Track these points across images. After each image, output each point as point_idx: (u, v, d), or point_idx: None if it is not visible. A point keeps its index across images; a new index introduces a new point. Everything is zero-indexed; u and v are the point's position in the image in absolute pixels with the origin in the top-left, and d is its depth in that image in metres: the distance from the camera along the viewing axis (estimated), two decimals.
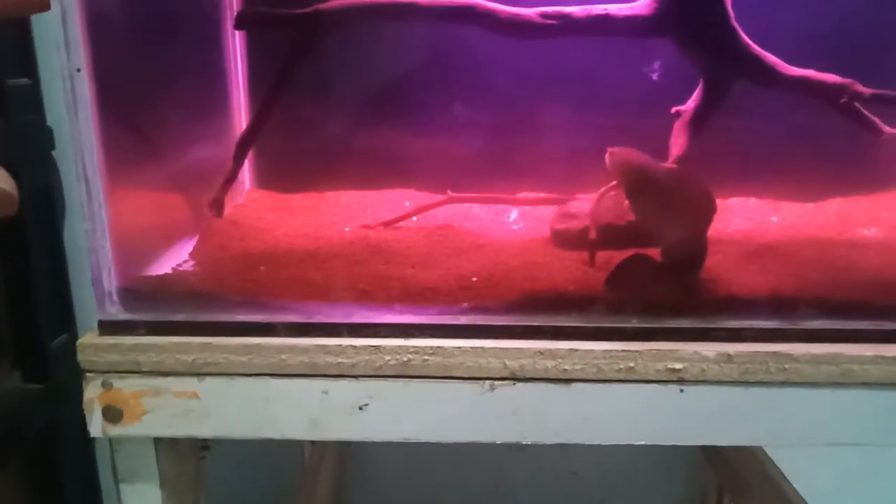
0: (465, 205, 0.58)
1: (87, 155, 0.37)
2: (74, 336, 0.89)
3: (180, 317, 0.40)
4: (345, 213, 0.59)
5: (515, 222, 0.57)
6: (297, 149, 0.61)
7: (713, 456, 0.89)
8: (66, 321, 0.88)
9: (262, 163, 0.62)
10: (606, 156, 0.48)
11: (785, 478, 0.74)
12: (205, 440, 0.49)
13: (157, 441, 0.42)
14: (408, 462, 0.97)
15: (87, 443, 0.93)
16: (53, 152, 0.85)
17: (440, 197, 0.56)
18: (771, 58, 0.51)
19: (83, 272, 0.88)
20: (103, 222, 0.38)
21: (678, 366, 0.39)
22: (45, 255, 0.82)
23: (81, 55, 0.36)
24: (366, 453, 0.96)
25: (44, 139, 0.84)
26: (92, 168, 0.37)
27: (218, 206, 0.53)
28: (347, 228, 0.55)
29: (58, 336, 0.87)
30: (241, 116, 0.61)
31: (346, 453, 0.93)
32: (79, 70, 0.36)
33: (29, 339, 0.83)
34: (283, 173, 0.63)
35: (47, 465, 0.85)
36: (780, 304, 0.41)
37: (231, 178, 0.53)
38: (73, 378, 0.94)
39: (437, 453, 0.96)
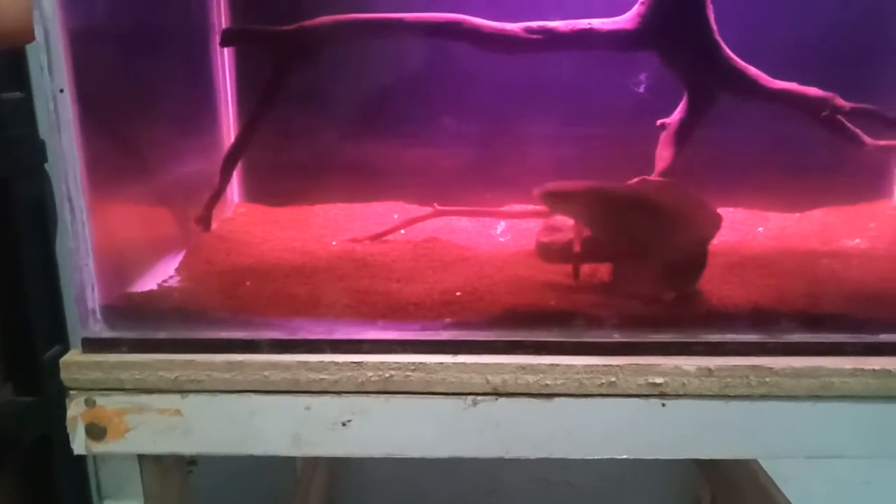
0: (452, 218, 0.59)
1: (71, 174, 0.38)
2: (66, 348, 0.90)
3: (163, 334, 0.40)
4: (333, 227, 0.59)
5: (502, 235, 0.57)
6: (285, 162, 0.61)
7: (706, 465, 0.89)
8: (58, 333, 0.88)
9: (251, 176, 0.63)
10: (540, 197, 0.47)
11: (776, 486, 0.74)
12: (191, 456, 0.49)
13: (142, 458, 0.42)
14: (400, 473, 0.97)
15: (79, 456, 0.92)
16: (46, 165, 0.85)
17: (428, 210, 0.56)
18: (753, 71, 0.51)
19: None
20: (87, 240, 0.38)
21: (659, 380, 0.39)
22: (37, 267, 0.82)
23: (64, 76, 0.36)
24: (358, 465, 0.96)
25: (36, 152, 0.84)
26: (75, 186, 0.38)
27: (205, 220, 0.53)
28: (335, 242, 0.55)
29: (50, 348, 0.87)
30: (228, 131, 0.61)
31: (338, 465, 0.93)
32: (62, 91, 0.36)
33: (21, 352, 0.83)
34: (271, 187, 0.63)
35: (40, 477, 0.85)
36: (760, 318, 0.42)
37: (218, 192, 0.53)
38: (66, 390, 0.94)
39: (430, 464, 0.96)
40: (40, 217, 0.84)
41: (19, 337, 0.81)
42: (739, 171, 0.61)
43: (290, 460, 0.90)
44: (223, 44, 0.52)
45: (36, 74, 0.76)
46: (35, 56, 0.78)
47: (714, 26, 0.51)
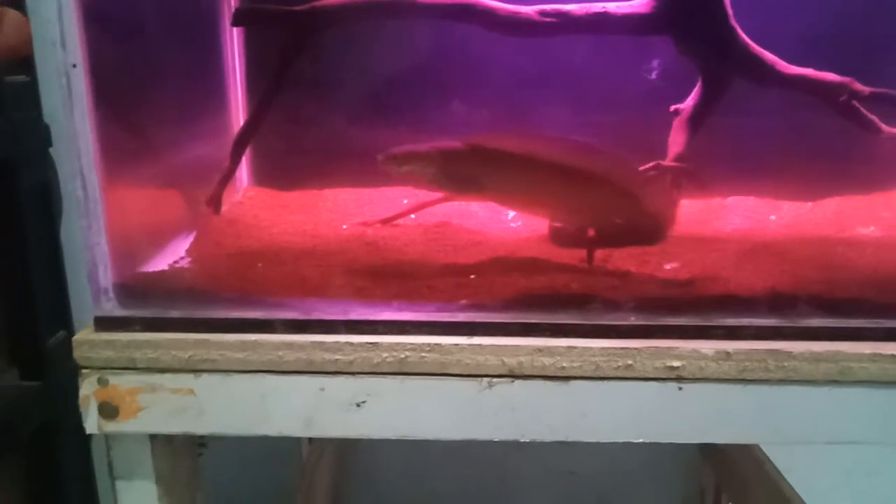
0: (462, 203, 0.58)
1: (84, 151, 0.37)
2: (71, 333, 0.89)
3: (176, 313, 0.40)
4: (342, 211, 0.58)
5: (513, 220, 0.56)
6: (294, 146, 0.61)
7: (711, 454, 0.89)
8: (62, 318, 0.88)
9: (260, 160, 0.62)
10: (381, 161, 0.47)
11: (782, 476, 0.74)
12: (201, 437, 0.49)
13: (153, 438, 0.41)
14: (406, 460, 0.97)
15: (84, 440, 0.92)
16: (51, 149, 0.85)
17: (438, 194, 0.56)
18: (769, 56, 0.51)
19: (80, 269, 0.88)
20: (99, 219, 0.38)
21: (676, 363, 0.39)
22: (42, 252, 0.82)
23: (78, 51, 0.36)
24: (364, 451, 0.96)
25: (41, 136, 0.84)
26: (88, 164, 0.37)
27: (215, 203, 0.53)
28: (345, 226, 0.55)
29: (55, 333, 0.86)
30: (238, 113, 0.60)
31: (345, 452, 0.93)
32: (74, 66, 0.36)
33: (26, 337, 0.82)
34: (280, 170, 0.63)
35: (44, 462, 0.85)
36: (778, 302, 0.41)
37: (228, 175, 0.53)
38: (70, 375, 0.94)
39: (436, 452, 0.96)
40: (45, 202, 0.84)
41: (24, 322, 0.81)
42: (751, 158, 0.61)
43: (296, 446, 0.90)
44: (235, 23, 0.52)
45: (40, 58, 0.76)
46: (40, 38, 0.77)
47: (730, 11, 0.50)
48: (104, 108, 0.38)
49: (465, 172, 0.48)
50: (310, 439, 0.90)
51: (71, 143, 0.37)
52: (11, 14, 0.22)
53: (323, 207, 0.59)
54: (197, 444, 0.48)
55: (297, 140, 0.60)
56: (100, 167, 0.38)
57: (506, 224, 0.56)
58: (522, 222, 0.56)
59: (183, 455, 0.45)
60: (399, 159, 0.47)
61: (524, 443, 1.04)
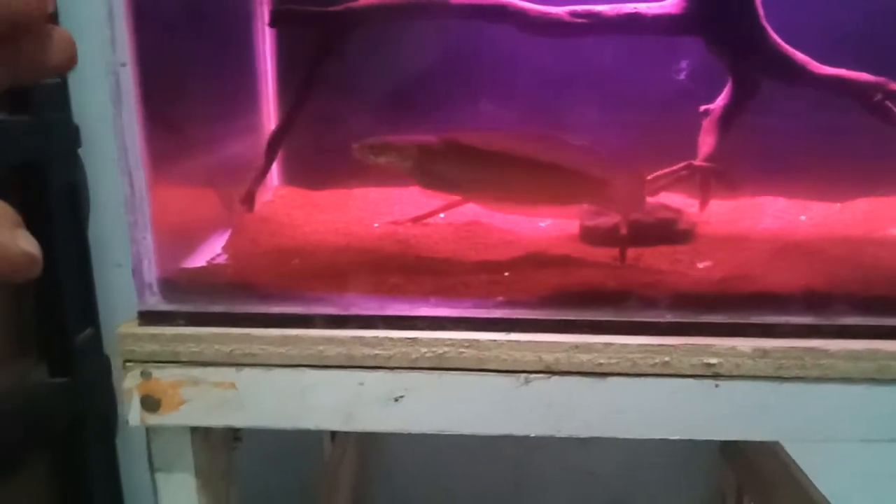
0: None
1: (131, 148, 0.38)
2: (98, 331, 0.91)
3: (219, 308, 0.40)
4: (372, 210, 0.59)
5: (541, 220, 0.57)
6: (324, 146, 0.62)
7: (733, 456, 0.89)
8: (90, 316, 0.89)
9: (290, 159, 0.63)
10: (357, 149, 0.48)
11: (808, 478, 0.74)
12: (237, 432, 0.50)
13: (193, 431, 0.42)
14: (425, 460, 0.97)
15: (111, 435, 0.94)
16: (80, 150, 0.86)
17: None
18: (801, 56, 0.51)
19: (107, 268, 0.89)
20: (145, 214, 0.39)
21: (713, 360, 0.39)
22: (70, 251, 0.83)
23: (127, 50, 0.36)
24: (385, 451, 0.97)
25: (71, 137, 0.85)
26: (135, 161, 0.38)
27: (249, 201, 0.54)
28: (376, 224, 0.55)
29: (82, 331, 0.88)
30: (269, 112, 0.61)
31: (366, 450, 0.94)
32: (124, 65, 0.37)
33: (54, 334, 0.84)
34: (310, 170, 0.63)
35: (72, 457, 0.86)
36: (813, 301, 0.41)
37: (262, 173, 0.53)
38: (98, 372, 0.96)
39: (455, 451, 0.97)
40: (74, 201, 0.85)
41: (52, 319, 0.82)
42: (779, 158, 0.61)
43: (318, 444, 0.91)
44: (272, 24, 0.53)
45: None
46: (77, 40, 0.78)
47: (761, 11, 0.50)
48: (149, 106, 0.39)
49: (439, 168, 0.48)
50: (332, 438, 0.90)
51: (119, 140, 0.38)
52: (58, 31, 0.22)
53: (353, 206, 0.60)
54: (232, 439, 0.49)
55: (328, 139, 0.61)
56: (146, 164, 0.38)
57: (534, 223, 0.56)
58: (551, 222, 0.56)
59: (219, 448, 0.46)
60: (375, 149, 0.48)
61: (542, 443, 1.04)
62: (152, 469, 0.43)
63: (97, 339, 0.90)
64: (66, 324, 0.84)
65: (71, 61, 0.24)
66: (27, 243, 0.22)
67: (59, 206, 0.81)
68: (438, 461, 0.97)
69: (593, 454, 0.97)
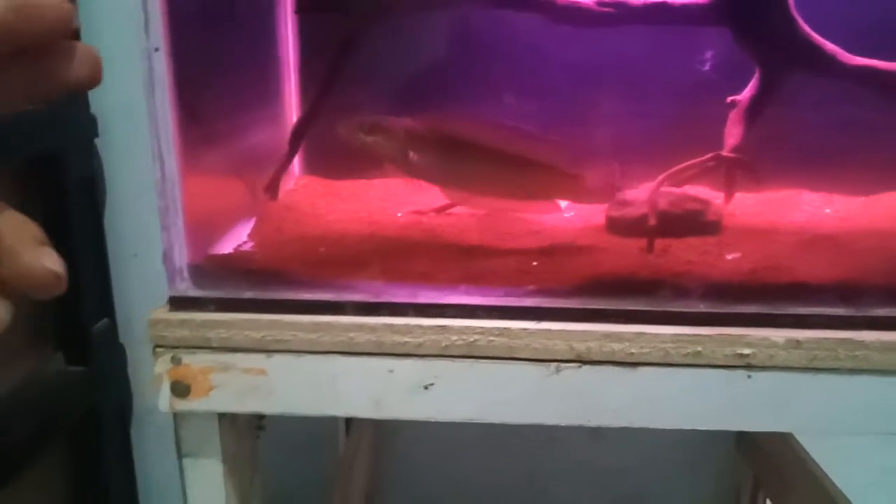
0: None
1: (163, 133, 0.38)
2: (114, 321, 0.91)
3: (249, 294, 0.40)
4: (394, 200, 0.59)
5: (565, 210, 0.57)
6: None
7: (749, 450, 0.88)
8: (106, 306, 0.89)
9: (311, 149, 0.63)
10: (347, 127, 0.47)
11: (825, 473, 0.73)
12: (261, 419, 0.50)
13: (221, 417, 0.42)
14: (440, 453, 0.97)
15: (126, 425, 0.94)
16: (97, 140, 0.86)
17: None
18: (830, 46, 0.50)
19: (123, 259, 0.90)
20: (176, 200, 0.39)
21: (746, 351, 0.39)
22: (86, 241, 0.83)
23: (160, 35, 0.36)
24: (399, 445, 0.97)
25: (88, 128, 0.85)
26: (167, 146, 0.38)
27: (273, 189, 0.54)
28: (399, 214, 0.55)
29: (98, 321, 0.88)
30: (291, 102, 0.61)
31: (381, 445, 0.94)
32: (157, 50, 0.36)
33: (71, 323, 0.84)
34: (331, 160, 0.63)
35: (88, 446, 0.86)
36: (845, 292, 0.41)
37: (287, 162, 0.53)
38: (114, 362, 0.96)
39: (469, 445, 0.97)
40: (90, 193, 0.85)
41: (70, 310, 0.82)
42: (803, 151, 0.60)
43: (334, 437, 0.91)
44: (298, 10, 0.53)
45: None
46: (88, 32, 0.78)
47: (790, 0, 0.50)
48: (180, 92, 0.39)
49: (421, 155, 0.48)
50: (347, 431, 0.91)
51: (151, 126, 0.38)
52: (82, 47, 0.22)
53: (374, 196, 0.60)
54: (256, 426, 0.49)
55: None
56: (178, 149, 0.38)
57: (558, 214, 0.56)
58: (574, 213, 0.56)
59: (245, 435, 0.46)
60: (366, 128, 0.47)
61: (556, 436, 1.04)
62: (180, 455, 0.43)
63: (113, 329, 0.90)
64: (82, 314, 0.84)
65: (95, 77, 0.23)
66: (51, 261, 0.22)
67: (75, 197, 0.82)
68: (452, 455, 0.97)
69: (607, 448, 0.97)
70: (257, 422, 0.49)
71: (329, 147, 0.63)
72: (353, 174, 0.62)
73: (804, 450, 0.77)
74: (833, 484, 0.72)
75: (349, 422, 0.91)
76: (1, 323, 0.22)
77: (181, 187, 0.39)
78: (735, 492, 0.94)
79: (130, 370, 0.95)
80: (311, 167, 0.63)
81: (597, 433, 0.97)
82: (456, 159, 0.49)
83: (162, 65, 0.37)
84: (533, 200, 0.50)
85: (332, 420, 0.92)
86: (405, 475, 0.97)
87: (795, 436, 0.79)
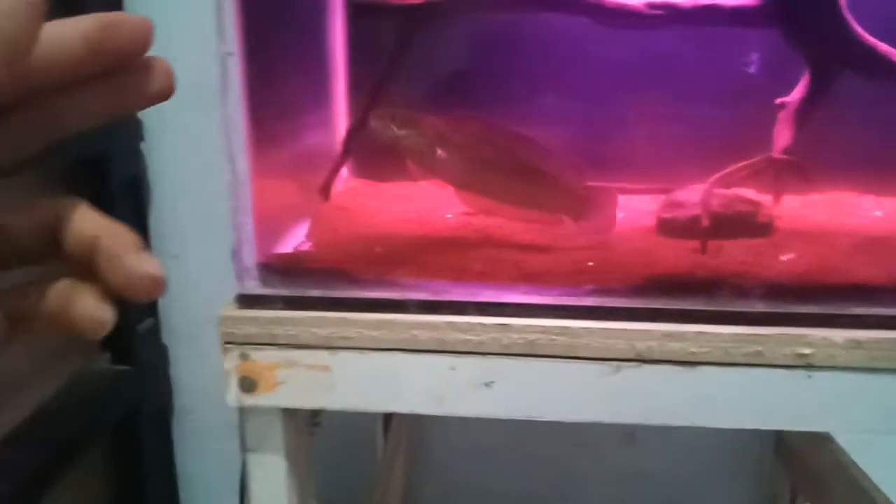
0: None
1: (235, 136, 0.39)
2: (158, 321, 0.93)
3: (315, 292, 0.41)
4: (442, 201, 0.60)
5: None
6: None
7: (787, 454, 0.88)
8: (150, 307, 0.91)
9: (357, 152, 0.64)
10: (380, 117, 0.47)
11: (868, 478, 0.73)
12: (316, 415, 0.51)
13: (283, 413, 0.43)
14: (473, 457, 0.98)
15: (167, 422, 0.96)
16: (142, 144, 0.88)
17: None
18: (884, 47, 0.50)
19: (164, 260, 0.91)
20: (247, 200, 0.40)
21: (806, 351, 0.39)
22: None
23: (234, 40, 0.37)
24: (432, 449, 0.97)
25: (134, 131, 0.87)
26: (239, 148, 0.39)
27: (326, 191, 0.55)
28: (449, 215, 0.56)
29: (143, 320, 0.90)
30: (340, 105, 0.62)
31: (416, 449, 0.95)
32: (230, 54, 0.38)
33: (118, 323, 0.86)
34: (377, 163, 0.64)
35: (131, 443, 0.88)
36: None
37: (340, 164, 0.54)
38: (157, 361, 0.98)
39: (503, 449, 0.97)
40: (135, 195, 0.87)
41: (116, 309, 0.84)
42: (851, 153, 0.60)
43: (373, 443, 0.92)
44: (353, 17, 0.54)
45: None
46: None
47: (842, 0, 0.50)
48: (251, 95, 0.40)
49: (450, 156, 0.48)
50: (385, 433, 0.92)
51: (224, 128, 0.39)
52: (158, 62, 0.24)
53: (422, 198, 0.61)
54: (313, 423, 0.50)
55: None
56: (248, 152, 0.40)
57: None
58: (623, 214, 0.57)
59: (303, 432, 0.47)
60: (398, 120, 0.47)
61: (589, 441, 1.03)
62: (244, 449, 0.44)
63: (156, 328, 0.92)
64: (128, 314, 0.86)
65: (169, 91, 0.25)
66: (152, 266, 0.23)
67: (120, 199, 0.84)
68: (485, 459, 0.97)
69: (643, 455, 0.97)
70: (314, 418, 0.50)
71: (375, 150, 0.64)
72: (398, 177, 0.63)
73: (846, 454, 0.77)
74: (877, 488, 0.71)
75: (387, 427, 0.92)
76: (107, 324, 0.24)
77: (251, 188, 0.40)
78: (772, 499, 0.93)
79: (172, 368, 0.97)
80: (359, 170, 0.64)
81: (631, 438, 0.97)
82: (479, 164, 0.50)
83: (235, 69, 0.38)
84: (543, 213, 0.51)
85: (371, 425, 0.93)
86: (438, 478, 0.98)
87: (837, 441, 0.79)
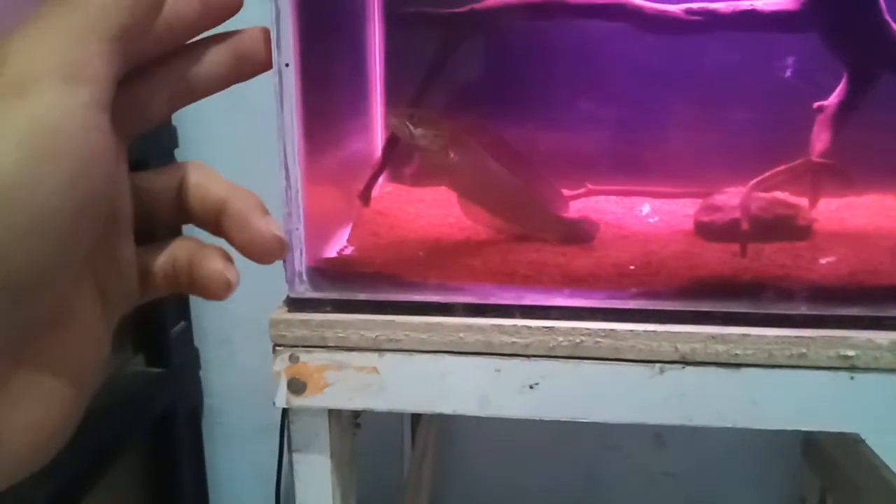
0: (594, 200, 0.60)
1: (289, 144, 0.40)
2: (190, 324, 0.94)
3: (363, 296, 0.42)
4: None
5: (650, 215, 0.57)
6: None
7: (816, 457, 0.87)
8: (183, 310, 0.93)
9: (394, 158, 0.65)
10: (398, 116, 0.48)
11: None
12: (357, 417, 0.52)
13: (330, 414, 0.44)
14: (500, 459, 0.98)
15: (198, 424, 0.97)
16: (176, 151, 0.90)
17: (580, 190, 0.58)
18: None
19: None
20: (299, 207, 0.41)
21: (851, 353, 0.39)
22: None
23: (291, 51, 0.39)
24: (460, 451, 0.98)
25: (169, 138, 0.89)
26: (293, 156, 0.40)
27: (366, 196, 0.56)
28: None
29: (176, 324, 0.91)
30: (377, 111, 0.63)
31: (443, 452, 0.95)
32: (287, 65, 0.39)
33: (151, 326, 0.88)
34: (412, 168, 0.65)
35: (164, 444, 0.89)
36: None
37: (380, 170, 0.55)
38: (189, 364, 0.99)
39: (528, 450, 0.98)
40: None
41: (149, 313, 0.86)
42: (889, 157, 0.60)
43: (400, 442, 0.93)
44: (393, 26, 0.55)
45: None
46: None
47: (883, 4, 0.50)
48: (305, 104, 0.41)
49: (461, 160, 0.49)
50: (413, 438, 0.93)
51: (280, 137, 0.40)
52: (259, 30, 0.27)
53: (456, 203, 0.61)
54: (354, 424, 0.51)
55: None
56: (302, 159, 0.41)
57: (643, 219, 0.57)
58: (659, 218, 0.57)
59: (347, 432, 0.48)
60: (416, 120, 0.48)
61: (618, 445, 1.03)
62: (290, 449, 0.45)
63: (189, 332, 0.94)
64: (162, 318, 0.88)
65: (266, 66, 0.27)
66: (278, 228, 0.25)
67: None
68: (512, 459, 0.98)
69: (669, 456, 0.97)
70: (355, 420, 0.51)
71: (409, 155, 0.65)
72: (431, 182, 0.64)
73: (877, 457, 0.76)
74: None
75: (415, 427, 0.93)
76: (232, 286, 0.25)
77: (304, 194, 0.41)
78: (801, 501, 0.93)
79: (203, 371, 0.98)
80: (393, 175, 0.65)
81: (659, 440, 0.97)
82: (482, 173, 0.51)
83: (291, 79, 0.39)
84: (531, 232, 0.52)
85: (399, 425, 0.94)
86: (465, 481, 0.99)
87: (867, 442, 0.78)
